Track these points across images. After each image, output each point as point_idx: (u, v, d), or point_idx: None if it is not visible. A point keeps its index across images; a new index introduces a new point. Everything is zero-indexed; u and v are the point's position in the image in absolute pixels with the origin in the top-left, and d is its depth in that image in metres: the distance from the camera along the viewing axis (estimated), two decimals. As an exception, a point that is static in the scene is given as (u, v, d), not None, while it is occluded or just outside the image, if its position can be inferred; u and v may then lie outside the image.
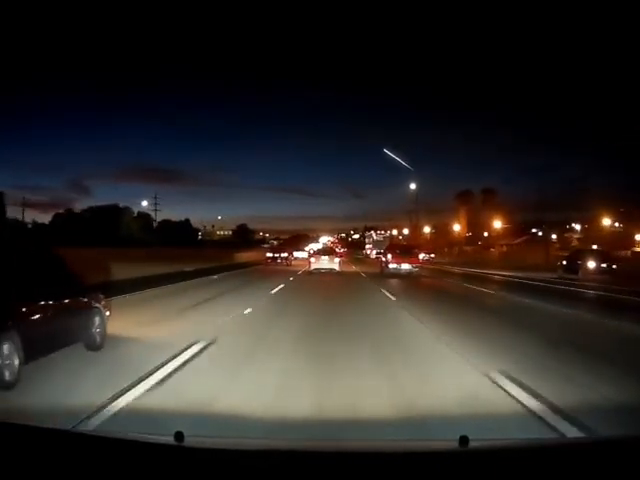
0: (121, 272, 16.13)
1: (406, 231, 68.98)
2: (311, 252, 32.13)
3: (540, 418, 3.85)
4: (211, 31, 68.67)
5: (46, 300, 5.30)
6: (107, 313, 6.55)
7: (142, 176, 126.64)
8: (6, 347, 4.46)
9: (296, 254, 42.59)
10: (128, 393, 4.32)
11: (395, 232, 78.58)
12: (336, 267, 25.15)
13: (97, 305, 6.35)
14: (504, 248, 57.39)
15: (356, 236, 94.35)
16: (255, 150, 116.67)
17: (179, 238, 56.84)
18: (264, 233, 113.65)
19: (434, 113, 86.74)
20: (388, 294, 14.37)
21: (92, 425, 3.43)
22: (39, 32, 46.30)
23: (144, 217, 64.55)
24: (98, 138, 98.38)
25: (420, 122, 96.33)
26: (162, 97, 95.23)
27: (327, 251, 29.67)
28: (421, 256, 29.85)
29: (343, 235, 71.39)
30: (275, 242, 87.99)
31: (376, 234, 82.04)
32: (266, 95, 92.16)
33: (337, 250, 35.94)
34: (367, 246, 79.58)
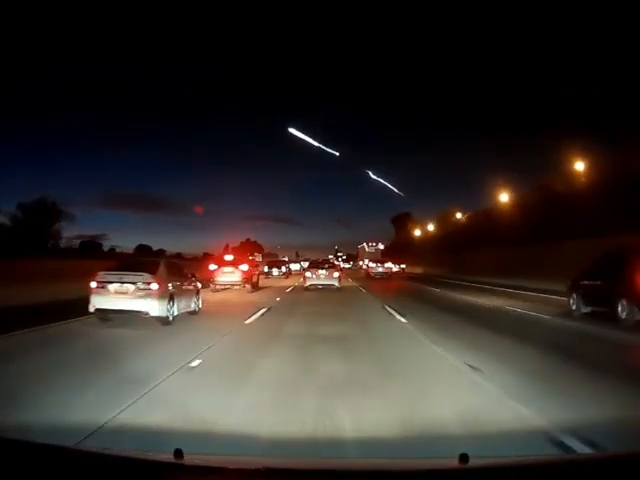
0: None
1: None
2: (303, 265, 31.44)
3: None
4: (197, 56, 72.78)
5: (182, 283, 11.21)
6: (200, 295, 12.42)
7: (127, 204, 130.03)
8: (176, 302, 10.30)
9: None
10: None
11: (381, 246, 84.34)
12: (336, 283, 21.64)
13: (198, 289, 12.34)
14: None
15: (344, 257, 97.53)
16: (240, 179, 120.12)
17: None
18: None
19: (417, 134, 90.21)
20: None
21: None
22: (20, 54, 49.07)
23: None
24: (81, 164, 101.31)
25: (405, 144, 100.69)
26: (147, 123, 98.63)
27: (324, 264, 24.68)
28: (388, 265, 39.32)
29: (330, 256, 73.58)
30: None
31: (368, 246, 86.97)
32: (250, 124, 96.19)
33: (335, 263, 32.94)
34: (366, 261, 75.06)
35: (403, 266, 54.69)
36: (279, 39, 65.73)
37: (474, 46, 51.14)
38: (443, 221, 52.28)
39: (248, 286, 20.64)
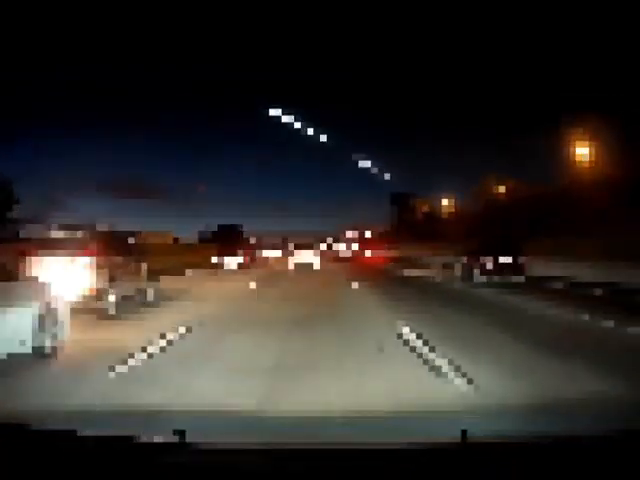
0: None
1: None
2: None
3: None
4: (192, 46, 72.94)
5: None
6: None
7: (123, 191, 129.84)
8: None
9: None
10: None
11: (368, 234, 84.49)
12: (315, 262, 27.15)
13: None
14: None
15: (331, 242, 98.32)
16: (235, 166, 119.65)
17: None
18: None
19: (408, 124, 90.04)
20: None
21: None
22: (15, 43, 49.34)
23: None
24: (77, 152, 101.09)
25: (394, 133, 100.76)
26: (144, 109, 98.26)
27: (308, 245, 29.91)
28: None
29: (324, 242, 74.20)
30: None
31: (351, 233, 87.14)
32: (247, 112, 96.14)
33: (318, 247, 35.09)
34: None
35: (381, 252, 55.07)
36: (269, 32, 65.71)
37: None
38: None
39: None
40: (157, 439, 1.57)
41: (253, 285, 17.02)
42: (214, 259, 29.92)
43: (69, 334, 6.60)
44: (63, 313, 6.51)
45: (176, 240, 67.38)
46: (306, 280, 19.75)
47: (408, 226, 64.21)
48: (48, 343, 6.02)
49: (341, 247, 59.74)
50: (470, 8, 44.73)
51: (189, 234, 79.70)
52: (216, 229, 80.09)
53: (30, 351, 5.70)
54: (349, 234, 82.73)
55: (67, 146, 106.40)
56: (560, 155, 28.19)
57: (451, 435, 1.51)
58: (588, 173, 26.40)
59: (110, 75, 74.58)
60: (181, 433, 1.50)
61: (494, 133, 62.09)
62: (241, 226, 78.33)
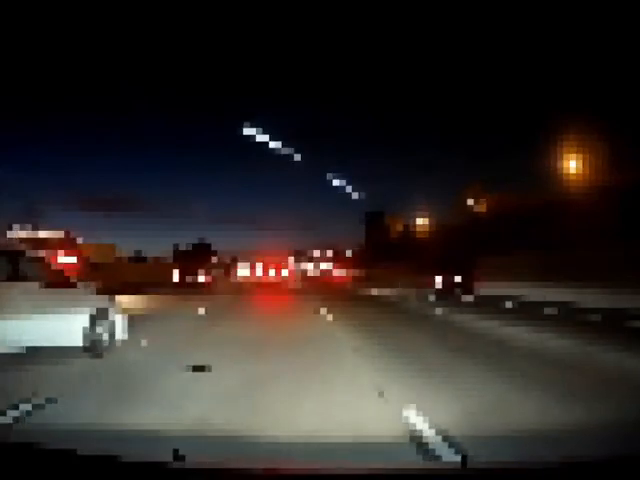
0: None
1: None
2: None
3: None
4: (164, 57, 72.85)
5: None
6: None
7: (95, 204, 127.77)
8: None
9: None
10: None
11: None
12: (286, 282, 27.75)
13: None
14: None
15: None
16: (206, 180, 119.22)
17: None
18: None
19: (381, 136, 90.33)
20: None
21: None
22: None
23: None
24: (53, 165, 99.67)
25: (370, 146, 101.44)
26: (116, 121, 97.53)
27: (277, 264, 29.26)
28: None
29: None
30: None
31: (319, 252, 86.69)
32: (216, 125, 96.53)
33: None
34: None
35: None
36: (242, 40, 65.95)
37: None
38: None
39: None
40: (156, 460, 1.56)
41: (202, 311, 14.72)
42: (175, 277, 28.87)
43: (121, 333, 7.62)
44: (114, 316, 7.53)
45: (139, 255, 63.45)
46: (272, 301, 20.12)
47: (381, 245, 64.42)
48: (99, 338, 7.08)
49: (309, 266, 59.77)
50: (448, 20, 45.31)
51: (166, 249, 78.41)
52: (189, 246, 79.01)
53: (81, 344, 6.73)
54: (316, 253, 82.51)
55: (42, 159, 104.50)
56: (547, 166, 26.14)
57: (452, 460, 1.54)
58: (577, 185, 23.91)
59: (84, 89, 73.83)
60: (180, 455, 1.52)
61: (476, 144, 62.39)
62: (209, 245, 77.52)
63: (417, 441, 3.21)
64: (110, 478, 1.45)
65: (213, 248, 77.28)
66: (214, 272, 34.17)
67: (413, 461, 1.72)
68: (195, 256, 51.03)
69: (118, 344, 7.47)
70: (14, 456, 1.56)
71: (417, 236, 50.08)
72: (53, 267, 7.23)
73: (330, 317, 12.56)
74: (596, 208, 20.13)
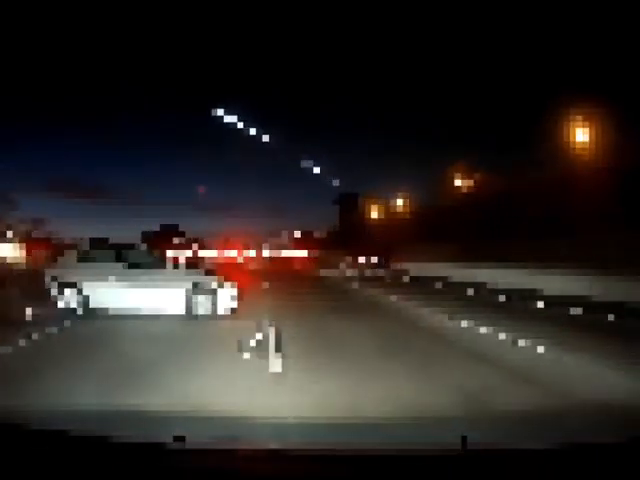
0: None
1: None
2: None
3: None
4: (130, 41, 72.70)
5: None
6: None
7: (66, 190, 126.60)
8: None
9: None
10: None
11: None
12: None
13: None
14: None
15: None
16: (175, 167, 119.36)
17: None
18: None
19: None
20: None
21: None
22: None
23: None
24: (25, 150, 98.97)
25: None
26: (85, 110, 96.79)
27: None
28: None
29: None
30: None
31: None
32: (186, 111, 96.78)
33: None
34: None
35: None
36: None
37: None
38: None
39: None
40: (155, 441, 1.58)
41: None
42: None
43: (212, 305, 10.09)
44: (210, 289, 10.10)
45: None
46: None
47: (348, 228, 62.24)
48: (195, 311, 10.06)
49: (271, 249, 62.39)
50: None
51: (134, 235, 79.34)
52: (158, 227, 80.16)
53: (184, 313, 10.02)
54: (283, 236, 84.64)
55: (5, 146, 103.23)
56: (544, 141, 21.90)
57: (451, 441, 1.52)
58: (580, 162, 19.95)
59: (50, 75, 73.53)
60: (181, 438, 1.53)
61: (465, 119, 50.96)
62: (177, 226, 79.32)
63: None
64: (108, 459, 1.48)
65: (182, 230, 78.80)
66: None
67: (412, 441, 1.70)
68: (162, 237, 53.46)
69: (222, 312, 10.00)
70: (11, 437, 1.58)
71: (369, 222, 53.26)
72: (155, 255, 10.93)
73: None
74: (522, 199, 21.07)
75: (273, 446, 1.63)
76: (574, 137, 19.59)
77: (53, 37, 58.81)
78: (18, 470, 1.44)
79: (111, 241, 11.59)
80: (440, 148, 45.15)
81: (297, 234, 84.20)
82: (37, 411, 2.59)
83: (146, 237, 70.66)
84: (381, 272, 23.56)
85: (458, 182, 29.63)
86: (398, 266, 24.48)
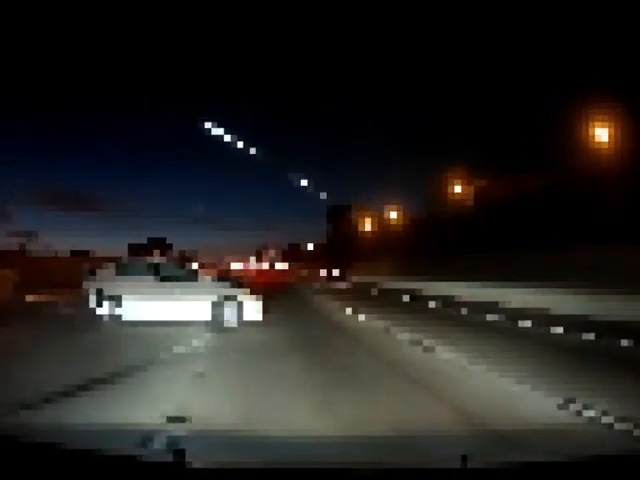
0: None
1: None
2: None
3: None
4: (123, 57, 72.88)
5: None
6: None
7: (48, 202, 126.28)
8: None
9: None
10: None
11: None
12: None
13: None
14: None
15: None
16: (162, 179, 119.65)
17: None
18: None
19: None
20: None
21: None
22: None
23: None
24: (9, 162, 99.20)
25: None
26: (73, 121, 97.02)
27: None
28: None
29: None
30: None
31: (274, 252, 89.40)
32: (177, 124, 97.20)
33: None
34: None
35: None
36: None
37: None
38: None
39: None
40: (156, 458, 1.60)
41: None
42: None
43: (237, 315, 10.90)
44: (234, 302, 10.95)
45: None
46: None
47: (345, 240, 60.16)
48: (220, 318, 10.92)
49: (255, 262, 64.58)
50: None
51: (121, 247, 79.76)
52: (145, 239, 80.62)
53: (210, 319, 10.88)
54: (271, 251, 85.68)
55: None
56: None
57: (451, 460, 1.51)
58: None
59: (36, 86, 74.38)
60: (180, 452, 1.53)
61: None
62: (164, 239, 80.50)
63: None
64: (109, 476, 1.48)
65: (169, 242, 79.94)
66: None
67: (411, 459, 1.68)
68: (149, 250, 54.26)
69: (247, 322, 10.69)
70: (5, 451, 1.58)
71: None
72: (185, 269, 11.89)
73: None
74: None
75: (272, 461, 1.68)
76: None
77: (40, 50, 58.79)
78: None
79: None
80: (433, 156, 43.87)
81: (284, 247, 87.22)
82: (36, 424, 2.67)
83: (133, 249, 71.49)
84: (342, 285, 26.33)
85: (458, 188, 29.20)
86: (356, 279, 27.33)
